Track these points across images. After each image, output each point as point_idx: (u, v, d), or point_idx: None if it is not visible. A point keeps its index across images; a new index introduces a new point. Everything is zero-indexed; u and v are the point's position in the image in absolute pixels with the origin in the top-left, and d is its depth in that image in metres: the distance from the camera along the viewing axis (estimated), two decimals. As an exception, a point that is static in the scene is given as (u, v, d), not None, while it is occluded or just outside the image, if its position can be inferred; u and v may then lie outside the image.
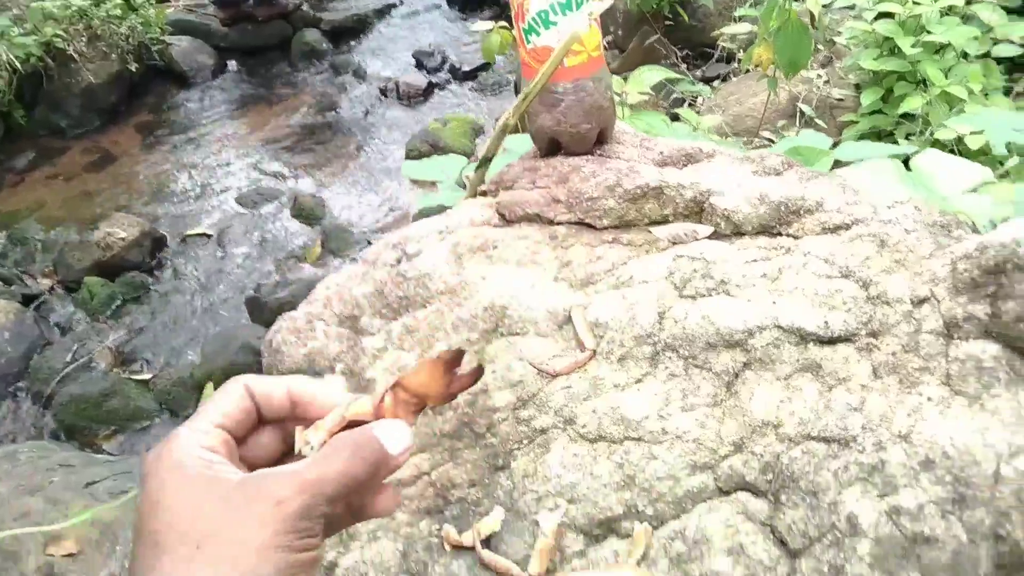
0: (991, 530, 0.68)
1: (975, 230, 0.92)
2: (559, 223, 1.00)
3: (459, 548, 0.81)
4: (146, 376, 2.77)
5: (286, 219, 3.46)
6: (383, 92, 4.33)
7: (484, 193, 1.11)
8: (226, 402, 0.48)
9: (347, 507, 0.48)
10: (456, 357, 0.50)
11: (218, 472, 0.44)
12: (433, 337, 0.94)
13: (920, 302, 0.78)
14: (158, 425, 2.61)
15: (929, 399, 0.74)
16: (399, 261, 1.03)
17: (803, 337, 0.80)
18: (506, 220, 1.03)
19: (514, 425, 0.86)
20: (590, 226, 1.00)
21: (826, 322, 0.79)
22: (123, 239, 3.21)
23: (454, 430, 0.87)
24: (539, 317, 0.91)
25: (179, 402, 2.65)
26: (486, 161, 1.13)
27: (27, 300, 3.08)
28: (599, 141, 1.07)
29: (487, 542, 0.81)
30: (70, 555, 1.66)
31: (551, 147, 1.07)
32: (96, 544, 1.67)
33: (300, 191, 3.61)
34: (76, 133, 4.28)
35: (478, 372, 0.51)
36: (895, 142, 2.23)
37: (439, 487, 0.86)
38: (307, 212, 3.44)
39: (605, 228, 0.99)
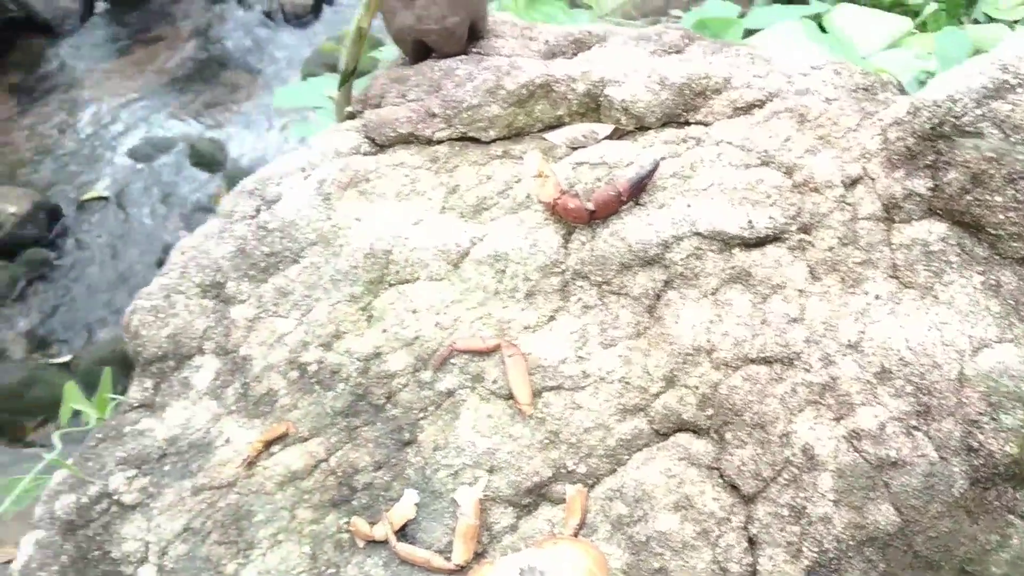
0: (962, 443, 0.59)
1: (902, 91, 0.80)
2: (439, 141, 0.85)
3: (372, 542, 0.71)
4: (66, 358, 2.60)
5: (185, 168, 3.21)
6: (268, 15, 3.97)
7: (353, 116, 0.95)
8: None
9: None
10: None
11: None
12: (311, 297, 0.80)
13: (852, 183, 0.66)
14: (88, 408, 2.46)
15: (877, 297, 0.63)
16: (259, 211, 0.88)
17: (726, 242, 0.68)
18: (377, 145, 0.88)
19: (416, 391, 0.74)
20: (475, 140, 0.85)
21: (750, 221, 0.67)
22: (14, 214, 2.96)
23: (348, 406, 0.75)
24: (429, 258, 0.78)
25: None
26: (348, 75, 0.96)
27: (-83, 297, 2.83)
28: (473, 37, 0.91)
29: (403, 532, 0.70)
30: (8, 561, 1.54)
31: (418, 51, 0.91)
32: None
33: (195, 136, 3.34)
34: (-61, 106, 3.87)
35: None
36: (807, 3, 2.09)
37: (341, 474, 0.74)
38: (207, 158, 3.19)
39: (493, 141, 0.85)
